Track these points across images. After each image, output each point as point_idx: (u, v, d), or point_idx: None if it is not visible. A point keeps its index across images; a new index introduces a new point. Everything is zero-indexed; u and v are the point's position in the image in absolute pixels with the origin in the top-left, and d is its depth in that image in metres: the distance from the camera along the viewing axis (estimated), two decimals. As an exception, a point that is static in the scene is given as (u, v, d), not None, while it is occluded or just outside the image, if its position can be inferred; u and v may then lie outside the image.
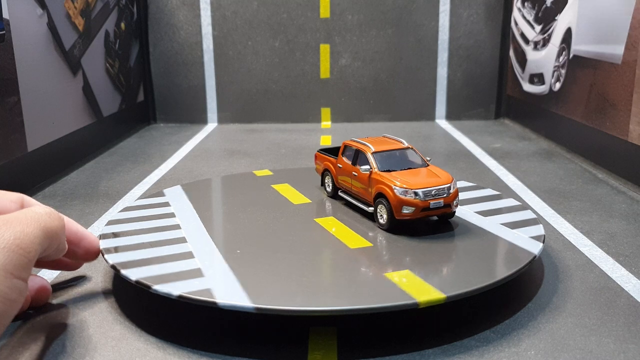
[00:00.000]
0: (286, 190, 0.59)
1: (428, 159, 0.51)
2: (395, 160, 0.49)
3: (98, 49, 0.92)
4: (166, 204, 0.54)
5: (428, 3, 1.11)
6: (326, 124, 1.14)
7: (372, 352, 0.34)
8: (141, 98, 1.12)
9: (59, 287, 0.43)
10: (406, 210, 0.45)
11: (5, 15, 0.64)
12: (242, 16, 1.11)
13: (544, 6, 0.95)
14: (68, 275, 0.45)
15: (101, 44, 0.93)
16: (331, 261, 0.41)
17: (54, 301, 0.41)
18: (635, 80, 0.66)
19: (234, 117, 1.15)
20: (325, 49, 1.13)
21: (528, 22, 1.02)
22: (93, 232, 0.54)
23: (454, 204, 0.46)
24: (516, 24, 1.08)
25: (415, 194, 0.45)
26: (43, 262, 0.40)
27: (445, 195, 0.45)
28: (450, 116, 1.15)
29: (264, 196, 0.57)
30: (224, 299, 0.35)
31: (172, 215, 0.51)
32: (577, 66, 0.82)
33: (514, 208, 0.51)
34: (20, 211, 0.33)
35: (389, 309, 0.34)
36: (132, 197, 0.66)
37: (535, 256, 0.40)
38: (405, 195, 0.45)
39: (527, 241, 0.43)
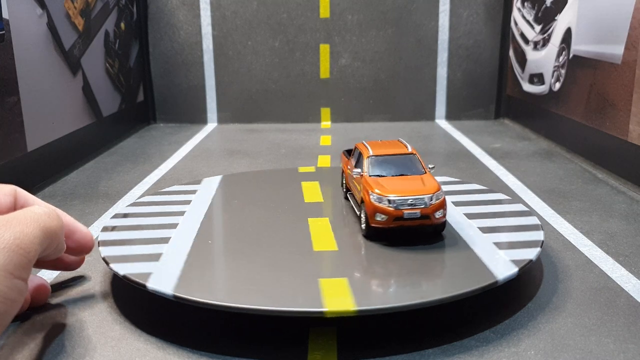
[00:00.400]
0: (311, 188, 0.59)
1: (431, 166, 0.48)
2: (390, 166, 0.47)
3: (98, 49, 0.92)
4: (192, 192, 0.58)
5: (428, 3, 1.11)
6: (326, 124, 1.14)
7: (371, 352, 0.34)
8: (141, 98, 1.12)
9: (58, 287, 0.43)
10: (379, 218, 0.43)
11: (5, 15, 0.64)
12: (242, 16, 1.11)
13: (544, 6, 0.95)
14: (67, 275, 0.45)
15: (101, 44, 0.93)
16: (281, 261, 0.41)
17: (54, 301, 0.41)
18: (635, 80, 0.66)
19: (233, 117, 1.15)
20: (325, 49, 1.13)
21: (528, 22, 1.02)
22: (92, 231, 0.54)
23: (437, 215, 0.43)
24: (516, 24, 1.08)
25: (390, 201, 0.43)
26: (42, 262, 0.40)
27: (423, 205, 0.43)
28: (450, 116, 1.15)
29: (284, 193, 0.58)
30: (153, 284, 0.37)
31: (187, 202, 0.55)
32: (577, 66, 0.82)
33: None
34: (19, 211, 0.33)
35: (290, 313, 0.34)
36: (132, 197, 0.66)
37: (497, 281, 0.37)
38: (380, 202, 0.43)
39: (504, 264, 0.39)
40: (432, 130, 1.05)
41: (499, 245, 0.43)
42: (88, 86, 0.87)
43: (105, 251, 0.43)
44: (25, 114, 0.68)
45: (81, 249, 0.40)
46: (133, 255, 0.43)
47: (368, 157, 0.48)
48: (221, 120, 1.15)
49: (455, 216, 0.49)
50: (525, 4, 1.03)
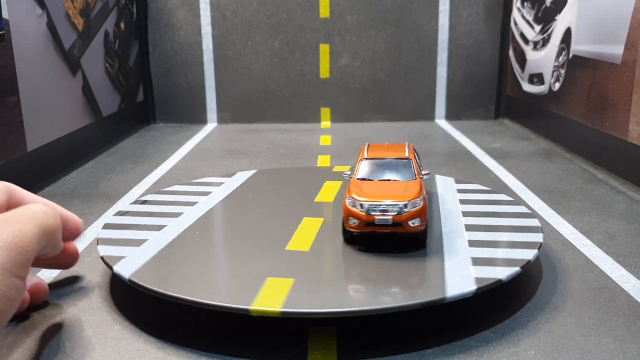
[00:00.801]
0: (330, 188, 0.59)
1: (425, 173, 0.47)
2: (381, 170, 0.46)
3: (97, 49, 0.92)
4: (218, 184, 0.61)
5: (428, 3, 1.11)
6: (326, 124, 1.14)
7: (371, 352, 0.34)
8: (141, 98, 1.12)
9: (57, 287, 0.43)
10: (352, 222, 0.43)
11: (5, 15, 0.64)
12: (242, 16, 1.11)
13: (544, 6, 0.95)
14: (66, 275, 0.45)
15: (101, 44, 0.93)
16: (244, 257, 0.42)
17: (53, 301, 0.41)
18: (634, 80, 0.66)
19: (233, 117, 1.15)
20: (324, 49, 1.13)
21: (527, 22, 1.02)
22: (91, 232, 0.54)
23: (411, 224, 0.42)
24: (516, 23, 1.08)
25: (362, 206, 0.42)
26: (39, 261, 0.40)
27: (395, 212, 0.41)
28: (449, 116, 1.15)
29: (301, 191, 0.58)
30: (118, 267, 0.40)
31: (206, 194, 0.58)
32: (576, 66, 0.82)
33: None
34: (17, 209, 0.33)
35: (218, 308, 0.35)
36: (131, 197, 0.66)
37: (444, 297, 0.35)
38: (353, 207, 0.43)
39: (464, 281, 0.37)
40: (432, 130, 1.05)
41: (477, 261, 0.40)
42: (88, 86, 0.87)
43: (102, 233, 0.46)
44: (25, 114, 0.68)
45: (72, 235, 0.41)
46: (122, 239, 0.45)
47: (361, 160, 0.48)
48: (221, 120, 1.15)
49: (454, 224, 0.47)
50: (525, 4, 1.03)
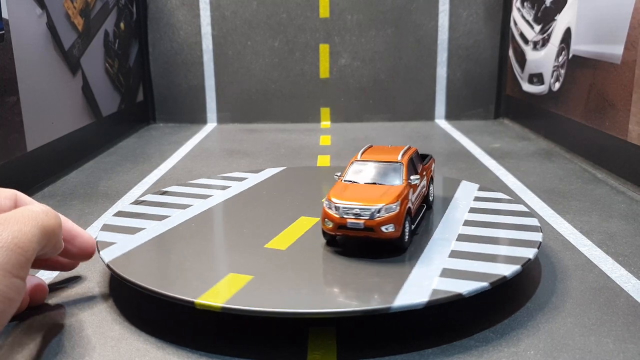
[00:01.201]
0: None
1: (414, 178, 0.45)
2: (369, 173, 0.46)
3: (97, 49, 0.92)
4: (240, 179, 0.63)
5: (427, 3, 1.11)
6: (325, 123, 1.14)
7: (371, 352, 0.34)
8: (140, 98, 1.12)
9: (57, 287, 0.43)
10: (327, 224, 0.42)
11: (5, 15, 0.64)
12: (242, 16, 1.11)
13: (544, 6, 0.95)
14: (66, 275, 0.45)
15: (100, 44, 0.93)
16: (219, 253, 0.43)
17: (53, 301, 0.41)
18: (634, 80, 0.66)
19: (233, 117, 1.15)
20: (324, 49, 1.13)
21: (527, 22, 1.02)
22: (92, 231, 0.54)
23: (384, 229, 0.41)
24: (515, 23, 1.08)
25: (336, 208, 0.42)
26: (38, 262, 0.40)
27: (367, 217, 0.41)
28: (449, 116, 1.15)
29: (317, 189, 0.59)
30: (105, 253, 0.42)
31: (225, 188, 0.59)
32: (576, 66, 0.82)
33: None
34: (17, 210, 0.33)
35: (169, 298, 0.36)
36: (131, 197, 0.66)
37: (389, 307, 0.34)
38: (328, 209, 0.42)
39: (417, 291, 0.36)
40: (432, 130, 1.05)
41: (447, 272, 0.38)
42: (87, 86, 0.87)
43: (111, 220, 0.49)
44: (25, 114, 0.68)
45: (82, 254, 0.41)
46: (123, 226, 0.48)
47: (352, 162, 0.47)
48: (221, 120, 1.15)
49: (447, 233, 0.46)
50: (525, 3, 1.03)
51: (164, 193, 0.58)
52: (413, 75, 1.14)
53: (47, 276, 0.45)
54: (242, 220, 0.50)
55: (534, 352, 0.34)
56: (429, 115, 1.15)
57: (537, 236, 0.44)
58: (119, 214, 0.51)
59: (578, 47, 0.82)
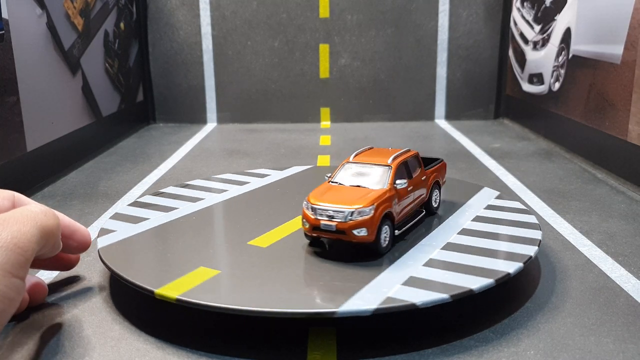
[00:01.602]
0: None
1: (400, 182, 0.44)
2: (356, 175, 0.45)
3: (97, 49, 0.92)
4: (262, 176, 0.64)
5: (427, 3, 1.11)
6: (325, 123, 1.14)
7: (371, 352, 0.34)
8: (140, 98, 1.12)
9: (57, 287, 0.43)
10: (305, 224, 0.42)
11: (5, 15, 0.64)
12: (242, 16, 1.11)
13: (543, 6, 0.95)
14: (66, 275, 0.45)
15: (100, 44, 0.93)
16: (199, 247, 0.44)
17: (53, 301, 0.41)
18: (634, 80, 0.66)
19: (233, 117, 1.15)
20: (324, 49, 1.13)
21: (527, 22, 1.02)
22: (92, 231, 0.54)
23: (356, 233, 0.40)
24: (515, 23, 1.08)
25: (313, 209, 0.42)
26: (37, 262, 0.40)
27: (340, 219, 0.40)
28: (449, 116, 1.15)
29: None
30: (101, 240, 0.44)
31: (242, 183, 0.61)
32: (576, 66, 0.82)
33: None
34: (16, 210, 0.33)
35: (129, 283, 0.38)
36: (131, 197, 0.66)
37: (334, 311, 0.34)
38: (306, 209, 0.42)
39: (370, 297, 0.35)
40: (432, 130, 1.05)
41: (411, 281, 0.37)
42: (87, 86, 0.87)
43: (122, 209, 0.52)
44: (25, 114, 0.68)
45: (81, 246, 0.41)
46: (128, 215, 0.50)
47: (344, 163, 0.47)
48: (221, 120, 1.15)
49: (437, 240, 0.44)
50: (525, 3, 1.03)
51: (185, 186, 0.60)
52: (413, 75, 1.14)
53: (46, 276, 0.45)
54: (241, 216, 0.51)
55: (534, 352, 0.34)
56: (429, 115, 1.15)
57: (532, 250, 0.42)
58: (139, 204, 0.54)
59: (578, 47, 0.82)
